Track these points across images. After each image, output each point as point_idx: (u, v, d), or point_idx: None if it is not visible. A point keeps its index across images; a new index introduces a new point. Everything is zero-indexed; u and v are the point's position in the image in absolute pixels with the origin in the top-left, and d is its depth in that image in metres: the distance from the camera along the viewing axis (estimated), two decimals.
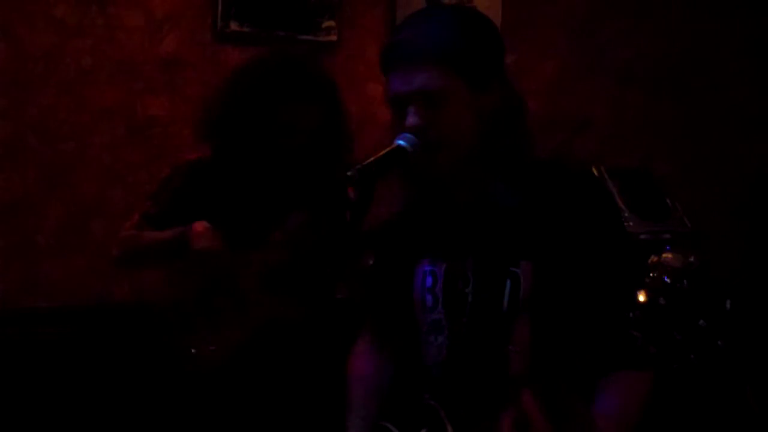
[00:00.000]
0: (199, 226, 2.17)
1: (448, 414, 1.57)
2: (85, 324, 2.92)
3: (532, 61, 3.56)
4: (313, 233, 2.25)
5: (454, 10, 1.82)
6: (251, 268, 2.24)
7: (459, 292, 1.57)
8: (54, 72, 2.95)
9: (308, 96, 2.22)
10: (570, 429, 1.29)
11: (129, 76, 3.04)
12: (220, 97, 2.28)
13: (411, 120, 1.51)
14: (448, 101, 1.50)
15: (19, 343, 2.82)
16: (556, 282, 1.47)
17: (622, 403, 1.46)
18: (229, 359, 2.22)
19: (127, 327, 2.86)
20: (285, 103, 2.20)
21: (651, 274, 2.23)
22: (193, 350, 2.22)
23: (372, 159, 1.46)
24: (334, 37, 3.26)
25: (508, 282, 1.51)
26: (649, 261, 2.46)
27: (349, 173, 1.42)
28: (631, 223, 3.14)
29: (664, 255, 2.53)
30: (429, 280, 1.61)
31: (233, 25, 3.12)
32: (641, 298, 1.28)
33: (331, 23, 3.24)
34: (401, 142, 1.49)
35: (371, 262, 1.84)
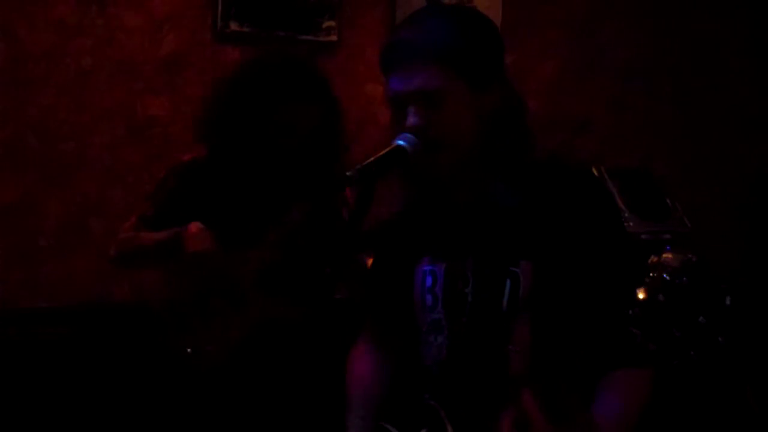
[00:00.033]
0: (193, 227, 2.17)
1: (448, 414, 1.57)
2: (86, 324, 2.92)
3: (532, 61, 3.56)
4: (309, 232, 2.25)
5: (454, 10, 1.83)
6: (247, 267, 2.24)
7: (459, 292, 1.57)
8: (54, 72, 2.95)
9: (307, 96, 2.23)
10: (570, 428, 1.29)
11: (129, 76, 3.04)
12: (217, 97, 2.29)
13: (411, 120, 1.51)
14: (447, 101, 1.50)
15: (19, 344, 2.82)
16: (555, 281, 1.47)
17: (622, 401, 1.46)
18: (227, 359, 2.22)
19: (127, 327, 2.86)
20: (284, 103, 2.21)
21: (651, 274, 2.23)
22: (189, 350, 2.23)
23: (372, 159, 1.46)
24: (334, 38, 3.26)
25: (508, 282, 1.51)
26: (649, 261, 2.46)
27: (348, 173, 1.42)
28: (631, 224, 3.14)
29: (664, 255, 2.53)
30: (429, 280, 1.61)
31: (233, 26, 3.12)
32: (641, 295, 1.27)
33: (331, 23, 3.25)
34: (401, 142, 1.49)
35: (371, 262, 1.84)
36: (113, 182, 3.02)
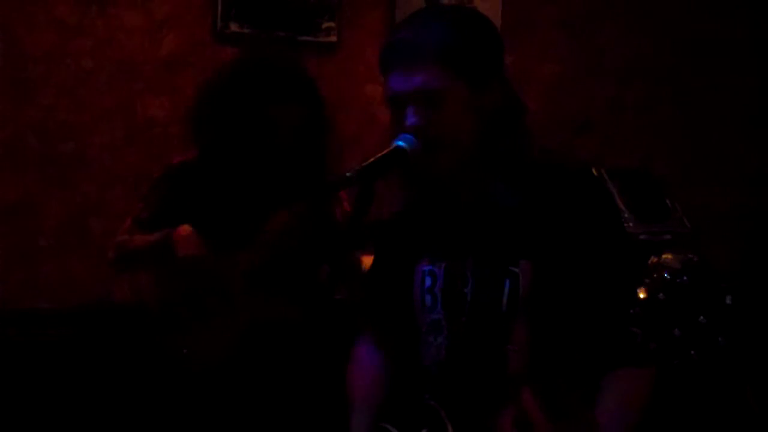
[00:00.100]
0: (182, 231, 2.18)
1: (448, 414, 1.57)
2: (86, 325, 2.92)
3: (532, 61, 3.56)
4: (300, 232, 2.25)
5: (454, 10, 1.83)
6: (238, 268, 2.24)
7: (458, 292, 1.57)
8: (54, 72, 2.96)
9: (293, 95, 2.23)
10: (570, 427, 1.28)
11: (129, 76, 3.04)
12: (204, 97, 2.29)
13: (410, 120, 1.51)
14: (447, 101, 1.50)
15: (19, 344, 2.82)
16: (555, 281, 1.47)
17: (623, 400, 1.46)
18: (221, 360, 2.22)
19: (128, 328, 2.85)
20: (271, 104, 2.21)
21: (653, 275, 2.23)
22: (184, 351, 2.23)
23: (371, 160, 1.46)
24: (333, 38, 3.26)
25: (507, 282, 1.51)
26: (650, 261, 2.45)
27: (348, 174, 1.42)
28: (630, 224, 3.14)
29: (663, 256, 2.53)
30: (428, 281, 1.61)
31: (233, 26, 3.13)
32: (641, 295, 1.28)
33: (331, 24, 3.25)
34: (400, 143, 1.49)
35: (370, 262, 1.84)
36: (113, 182, 3.03)
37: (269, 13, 3.15)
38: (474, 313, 1.55)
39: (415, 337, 1.66)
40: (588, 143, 3.46)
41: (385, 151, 1.48)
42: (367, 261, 2.21)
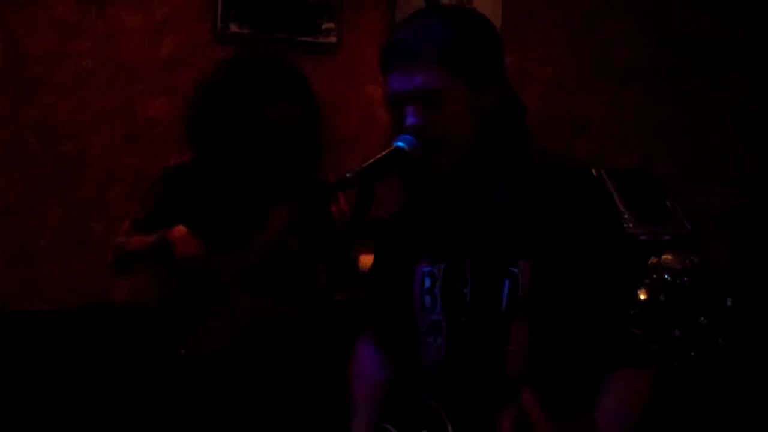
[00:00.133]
0: (177, 231, 2.18)
1: (448, 414, 1.57)
2: (86, 326, 2.92)
3: (532, 62, 3.56)
4: (297, 232, 2.25)
5: (454, 10, 1.83)
6: (235, 268, 2.24)
7: (458, 293, 1.57)
8: (54, 73, 2.96)
9: (288, 95, 2.23)
10: (570, 428, 1.28)
11: (129, 77, 3.04)
12: (198, 98, 2.29)
13: (410, 120, 1.51)
14: (447, 101, 1.50)
15: (19, 345, 2.82)
16: (554, 281, 1.47)
17: (623, 401, 1.46)
18: (219, 360, 2.22)
19: (128, 329, 2.86)
20: (264, 104, 2.21)
21: (653, 276, 2.23)
22: (182, 351, 2.23)
23: (371, 161, 1.46)
24: (333, 39, 3.26)
25: (507, 282, 1.51)
26: (650, 262, 2.45)
27: (348, 175, 1.42)
28: (630, 225, 3.14)
29: (663, 257, 2.52)
30: (428, 281, 1.61)
31: (233, 27, 3.12)
32: (642, 296, 1.28)
33: (331, 25, 3.25)
34: (400, 144, 1.49)
35: (370, 262, 1.84)
36: (113, 183, 3.02)
37: (269, 13, 3.15)
38: (473, 313, 1.55)
39: (415, 338, 1.66)
40: (588, 143, 3.46)
41: (384, 152, 1.48)
42: (366, 260, 2.22)
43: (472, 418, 1.53)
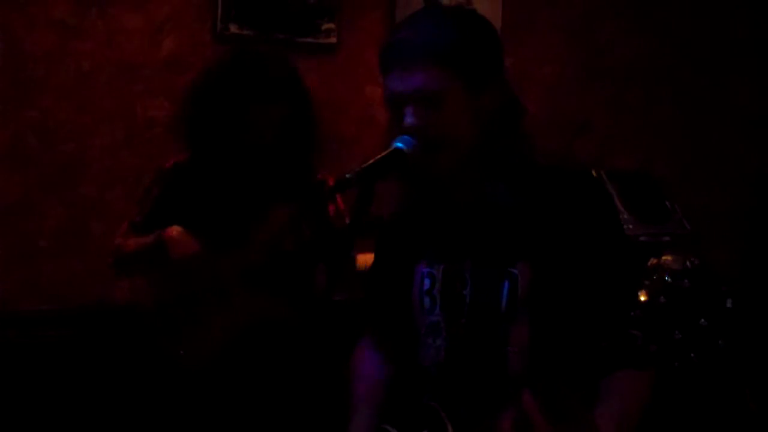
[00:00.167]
0: (172, 231, 2.18)
1: (448, 415, 1.57)
2: (86, 326, 2.92)
3: (532, 63, 3.56)
4: (294, 231, 2.25)
5: (453, 11, 1.82)
6: (233, 267, 2.24)
7: (457, 294, 1.57)
8: (54, 73, 2.96)
9: (268, 92, 2.22)
10: (570, 429, 1.29)
11: (129, 77, 3.04)
12: (190, 97, 2.30)
13: (409, 120, 1.51)
14: (446, 101, 1.50)
15: (19, 346, 2.82)
16: (554, 282, 1.47)
17: (623, 403, 1.46)
18: (218, 360, 2.23)
19: (128, 329, 2.86)
20: (247, 102, 2.21)
21: (653, 277, 2.23)
22: (181, 352, 2.23)
23: (370, 162, 1.45)
24: (333, 40, 3.26)
25: (506, 283, 1.51)
26: (650, 263, 2.44)
27: (348, 176, 1.42)
28: (630, 226, 3.14)
29: (663, 258, 2.51)
30: (427, 283, 1.61)
31: (233, 28, 3.12)
32: (642, 297, 1.28)
33: (331, 25, 3.25)
34: (399, 145, 1.49)
35: (368, 261, 1.84)
36: (113, 184, 3.03)
37: (269, 14, 3.15)
38: (473, 314, 1.55)
39: (415, 339, 1.66)
40: (588, 144, 3.46)
41: (384, 153, 1.48)
42: (364, 260, 2.22)
43: (472, 419, 1.53)
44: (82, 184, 3.01)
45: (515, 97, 1.59)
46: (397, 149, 1.48)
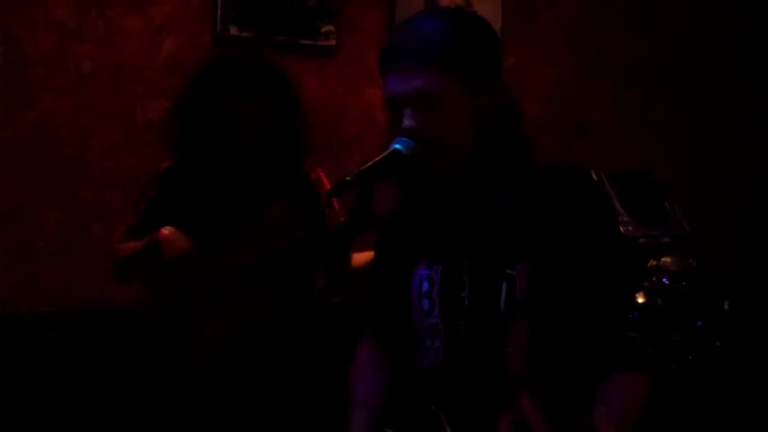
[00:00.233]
0: (165, 231, 2.18)
1: (447, 417, 1.57)
2: (85, 328, 2.92)
3: (532, 64, 3.56)
4: (289, 229, 2.25)
5: (452, 13, 1.83)
6: (229, 267, 2.25)
7: (455, 296, 1.57)
8: (54, 76, 2.96)
9: (247, 90, 2.22)
10: (568, 431, 1.29)
11: (129, 79, 3.04)
12: (174, 101, 2.31)
13: (407, 122, 1.51)
14: (444, 103, 1.50)
15: (18, 348, 2.82)
16: (552, 284, 1.47)
17: (621, 405, 1.46)
18: (215, 361, 2.23)
19: (127, 331, 2.86)
20: (227, 102, 2.21)
21: (652, 279, 2.23)
22: (180, 352, 2.24)
23: (369, 164, 1.46)
24: (333, 42, 3.26)
25: (505, 284, 1.51)
26: (648, 265, 2.45)
27: (347, 178, 1.42)
28: (629, 227, 3.14)
29: (662, 259, 2.52)
30: (426, 285, 1.61)
31: (233, 30, 3.12)
32: (640, 299, 1.28)
33: (331, 28, 3.25)
34: (398, 146, 1.49)
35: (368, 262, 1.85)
36: (113, 186, 3.02)
37: (269, 16, 3.15)
38: (471, 316, 1.55)
39: (413, 341, 1.66)
40: (587, 144, 3.46)
41: (382, 155, 1.48)
42: (358, 258, 2.23)
43: (471, 422, 1.53)
44: (82, 186, 3.01)
45: (514, 98, 1.59)
46: (396, 151, 1.48)
